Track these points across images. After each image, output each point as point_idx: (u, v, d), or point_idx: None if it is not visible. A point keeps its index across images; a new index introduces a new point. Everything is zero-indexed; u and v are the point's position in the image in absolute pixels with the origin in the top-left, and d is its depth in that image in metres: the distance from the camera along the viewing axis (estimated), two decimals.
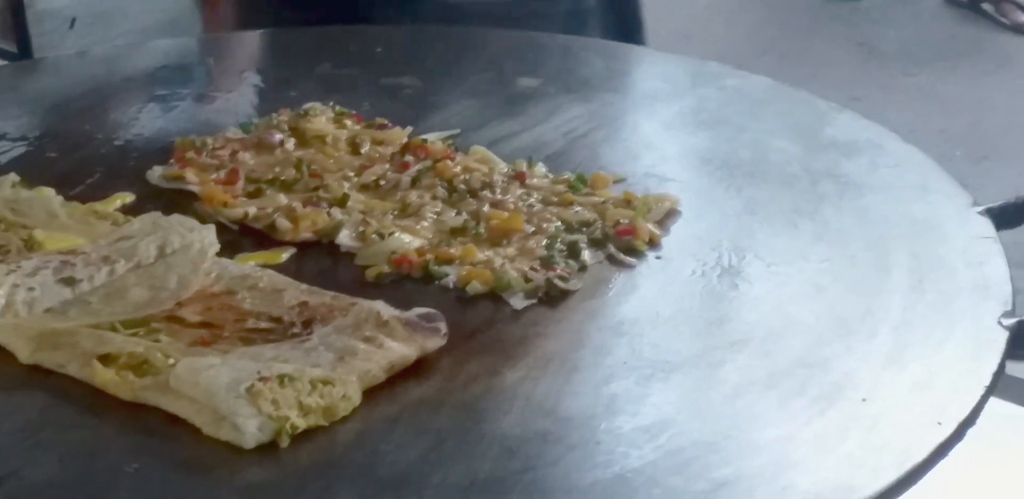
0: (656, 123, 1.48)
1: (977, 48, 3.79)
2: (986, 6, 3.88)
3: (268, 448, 0.97)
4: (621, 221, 1.24)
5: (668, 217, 1.27)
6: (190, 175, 1.33)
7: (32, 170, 1.34)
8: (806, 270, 1.19)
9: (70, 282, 1.12)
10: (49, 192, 1.29)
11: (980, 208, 1.25)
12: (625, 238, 1.22)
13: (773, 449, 0.98)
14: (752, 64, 3.67)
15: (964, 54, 3.75)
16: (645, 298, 1.16)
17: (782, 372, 1.05)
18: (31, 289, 1.11)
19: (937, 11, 3.99)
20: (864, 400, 1.02)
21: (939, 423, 0.99)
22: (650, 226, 1.24)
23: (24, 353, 1.06)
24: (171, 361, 1.03)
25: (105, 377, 1.02)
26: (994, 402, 1.03)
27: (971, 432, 1.00)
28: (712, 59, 3.59)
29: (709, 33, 3.88)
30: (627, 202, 1.28)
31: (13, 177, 1.30)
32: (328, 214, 1.26)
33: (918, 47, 3.79)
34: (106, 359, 1.04)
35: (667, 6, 4.09)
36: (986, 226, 1.23)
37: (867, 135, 1.41)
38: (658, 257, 1.21)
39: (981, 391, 1.03)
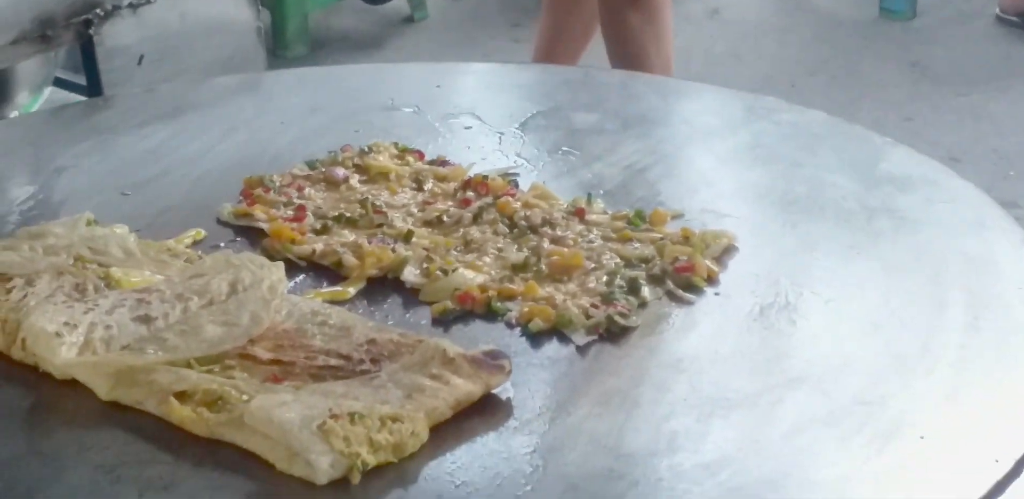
0: (712, 158, 1.50)
1: None
2: None
3: (340, 483, 1.00)
4: (680, 258, 1.27)
5: (726, 253, 1.29)
6: (258, 212, 1.36)
7: (105, 207, 1.38)
8: (863, 306, 1.21)
9: (146, 320, 1.16)
10: (123, 229, 1.32)
11: None
12: (684, 275, 1.25)
13: (832, 487, 1.00)
14: (803, 84, 3.69)
15: (1016, 74, 3.74)
16: (704, 335, 1.18)
17: (841, 410, 1.07)
18: (108, 327, 1.15)
19: (989, 31, 3.98)
20: (922, 438, 1.04)
21: (996, 461, 1.01)
22: (708, 263, 1.26)
23: (103, 390, 1.10)
24: (245, 398, 1.06)
25: (182, 414, 1.06)
26: None
27: None
28: (763, 79, 3.61)
29: (760, 53, 3.88)
30: (685, 239, 1.30)
31: (88, 215, 1.34)
32: (393, 250, 1.29)
33: (970, 67, 3.78)
34: (182, 396, 1.07)
35: (718, 26, 4.11)
36: None
37: (922, 170, 1.42)
38: (716, 294, 1.24)
39: None
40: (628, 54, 2.77)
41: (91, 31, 1.89)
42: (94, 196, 1.42)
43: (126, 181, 1.46)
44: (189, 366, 1.10)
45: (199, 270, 1.23)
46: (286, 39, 3.82)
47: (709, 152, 1.51)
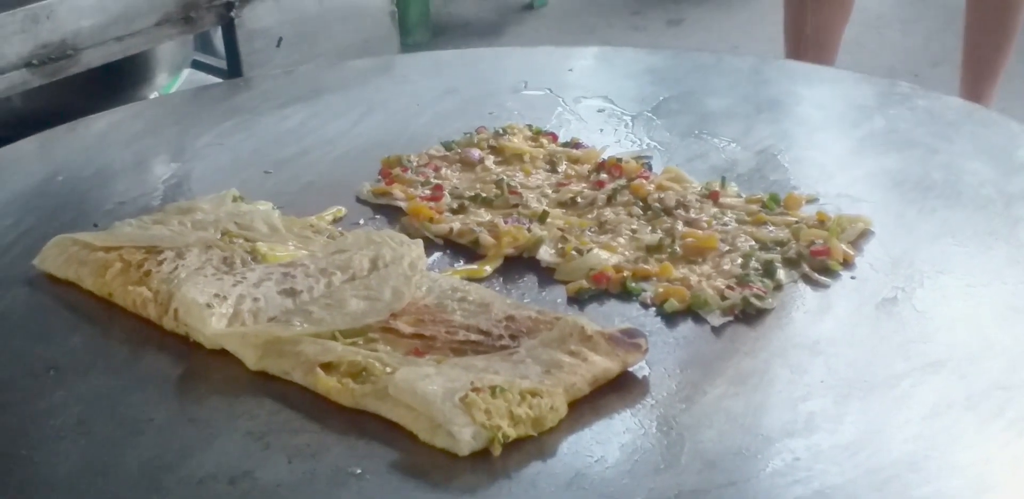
0: (847, 143, 1.50)
1: None
2: None
3: (481, 455, 1.02)
4: (815, 241, 1.27)
5: (861, 238, 1.29)
6: (397, 191, 1.39)
7: (248, 185, 1.42)
8: (1002, 292, 1.20)
9: (291, 293, 1.19)
10: (266, 206, 1.36)
11: None
12: (820, 258, 1.25)
13: (972, 470, 1.00)
14: (927, 74, 3.64)
15: None
16: (840, 317, 1.19)
17: (980, 394, 1.07)
18: (256, 299, 1.18)
19: None
20: None
21: None
22: (844, 246, 1.26)
23: (251, 360, 1.13)
24: (388, 370, 1.09)
25: (328, 384, 1.09)
26: None
27: None
28: (886, 69, 3.56)
29: (883, 42, 3.84)
30: (821, 222, 1.30)
31: (234, 191, 1.37)
32: (528, 230, 1.31)
33: None
34: (328, 367, 1.10)
35: None
36: None
37: None
38: (852, 277, 1.24)
39: None
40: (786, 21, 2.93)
41: (232, 14, 1.94)
42: (237, 174, 1.46)
43: (268, 159, 1.49)
44: (334, 338, 1.13)
45: (341, 246, 1.26)
46: (408, 26, 3.85)
47: (843, 137, 1.51)
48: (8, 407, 1.10)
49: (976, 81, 2.99)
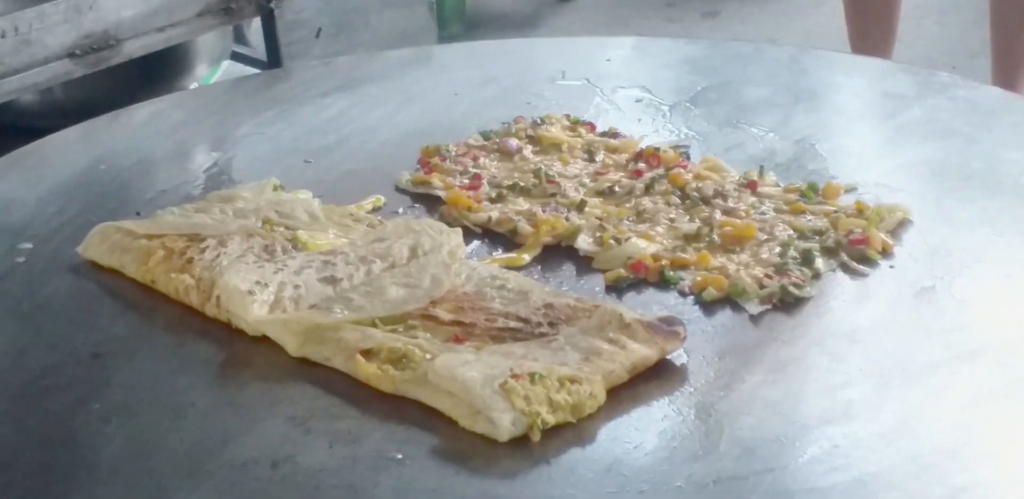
0: (885, 133, 1.50)
1: None
2: None
3: (520, 441, 1.03)
4: (854, 230, 1.27)
5: (900, 227, 1.29)
6: (436, 180, 1.40)
7: (288, 173, 1.43)
8: None
9: (332, 281, 1.20)
10: (307, 194, 1.37)
11: None
12: (858, 247, 1.25)
13: (1011, 458, 1.00)
14: (964, 66, 3.62)
15: None
16: (879, 306, 1.19)
17: (1018, 382, 1.07)
18: (297, 287, 1.19)
19: None
20: None
21: None
22: (883, 236, 1.26)
23: (292, 346, 1.14)
24: (428, 356, 1.09)
25: (368, 370, 1.10)
26: None
27: None
28: (923, 61, 3.55)
29: (920, 34, 3.82)
30: (859, 212, 1.30)
31: (274, 180, 1.39)
32: (567, 219, 1.32)
33: None
34: (368, 353, 1.11)
35: None
36: None
37: None
38: (891, 266, 1.24)
39: None
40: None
41: (272, 5, 1.95)
42: (277, 163, 1.47)
43: (307, 149, 1.50)
44: (374, 325, 1.14)
45: (381, 234, 1.27)
46: (444, 18, 3.85)
47: (882, 126, 1.51)
48: (53, 392, 1.11)
49: (1005, 72, 2.98)
